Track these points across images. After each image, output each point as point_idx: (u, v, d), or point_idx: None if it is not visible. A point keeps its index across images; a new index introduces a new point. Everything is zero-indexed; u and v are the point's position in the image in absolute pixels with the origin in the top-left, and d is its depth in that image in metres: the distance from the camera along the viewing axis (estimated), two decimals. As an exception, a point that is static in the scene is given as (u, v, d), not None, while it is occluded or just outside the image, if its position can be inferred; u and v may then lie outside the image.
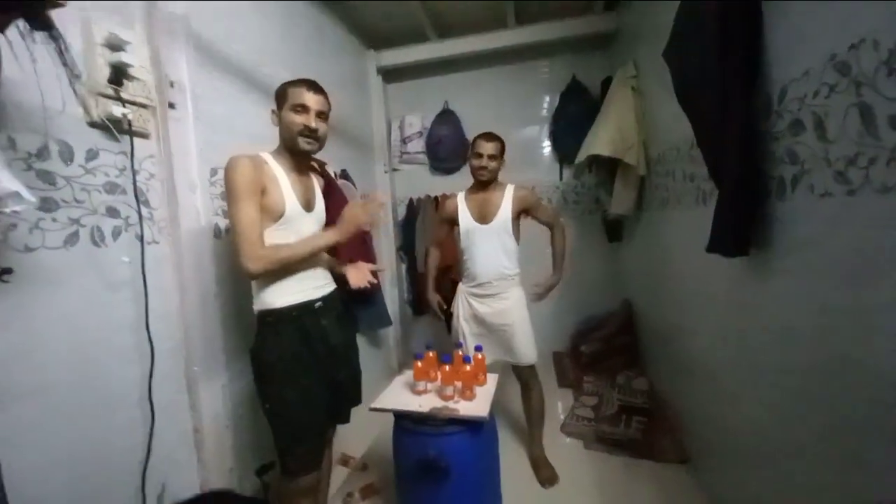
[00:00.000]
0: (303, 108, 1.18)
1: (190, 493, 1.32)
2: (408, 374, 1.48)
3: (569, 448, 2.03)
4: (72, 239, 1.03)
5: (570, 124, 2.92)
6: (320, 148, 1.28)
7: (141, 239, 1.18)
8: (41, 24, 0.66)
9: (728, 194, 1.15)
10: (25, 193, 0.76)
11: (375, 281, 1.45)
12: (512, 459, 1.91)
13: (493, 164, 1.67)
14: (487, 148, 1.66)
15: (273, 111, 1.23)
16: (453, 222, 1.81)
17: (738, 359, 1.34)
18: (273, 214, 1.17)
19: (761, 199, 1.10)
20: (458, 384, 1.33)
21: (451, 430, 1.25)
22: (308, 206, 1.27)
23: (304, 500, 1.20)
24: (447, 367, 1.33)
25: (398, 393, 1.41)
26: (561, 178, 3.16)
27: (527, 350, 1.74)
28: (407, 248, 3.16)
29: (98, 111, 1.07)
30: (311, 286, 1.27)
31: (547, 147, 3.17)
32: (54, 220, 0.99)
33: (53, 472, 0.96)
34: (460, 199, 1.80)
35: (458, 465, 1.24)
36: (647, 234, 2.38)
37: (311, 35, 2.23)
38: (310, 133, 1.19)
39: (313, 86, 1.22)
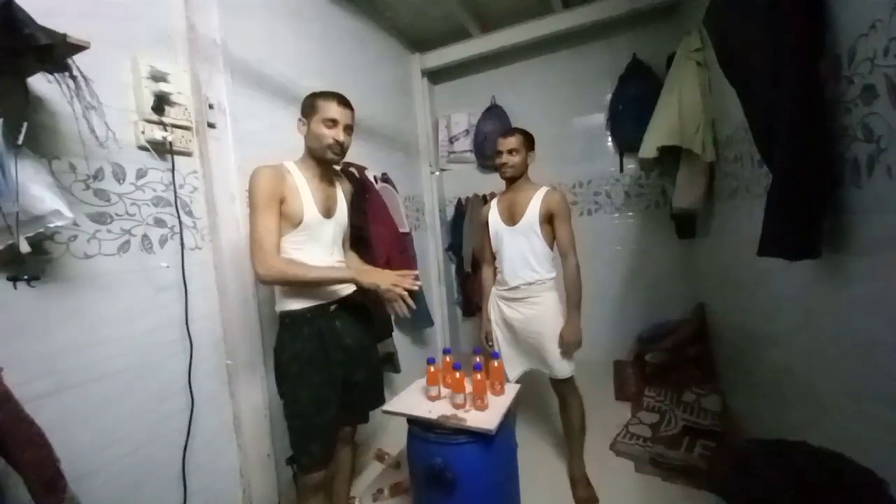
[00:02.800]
0: (333, 123, 1.23)
1: (231, 475, 1.47)
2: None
3: (617, 468, 1.84)
4: (124, 247, 1.20)
5: (631, 109, 2.65)
6: (343, 158, 1.33)
7: (181, 245, 1.33)
8: (57, 66, 0.78)
9: (786, 181, 0.93)
10: (65, 210, 0.91)
11: (409, 314, 1.29)
12: (551, 476, 1.79)
13: (514, 159, 1.58)
14: (506, 143, 1.57)
15: (300, 119, 1.28)
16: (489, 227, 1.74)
17: (835, 380, 1.06)
18: (293, 221, 1.23)
19: (832, 187, 0.87)
20: (469, 392, 1.27)
21: (459, 441, 1.20)
22: (328, 213, 1.31)
23: (315, 495, 1.25)
24: (458, 374, 1.28)
25: (413, 397, 1.40)
26: (621, 170, 2.88)
27: (561, 362, 1.60)
28: (455, 248, 3.15)
29: (144, 136, 1.23)
30: (328, 289, 1.31)
31: (606, 136, 2.91)
32: (109, 231, 1.17)
33: (109, 445, 1.13)
34: (493, 202, 1.74)
35: (466, 477, 1.18)
36: (721, 230, 2.05)
37: (353, 47, 2.32)
38: (338, 146, 1.25)
39: (343, 100, 1.27)
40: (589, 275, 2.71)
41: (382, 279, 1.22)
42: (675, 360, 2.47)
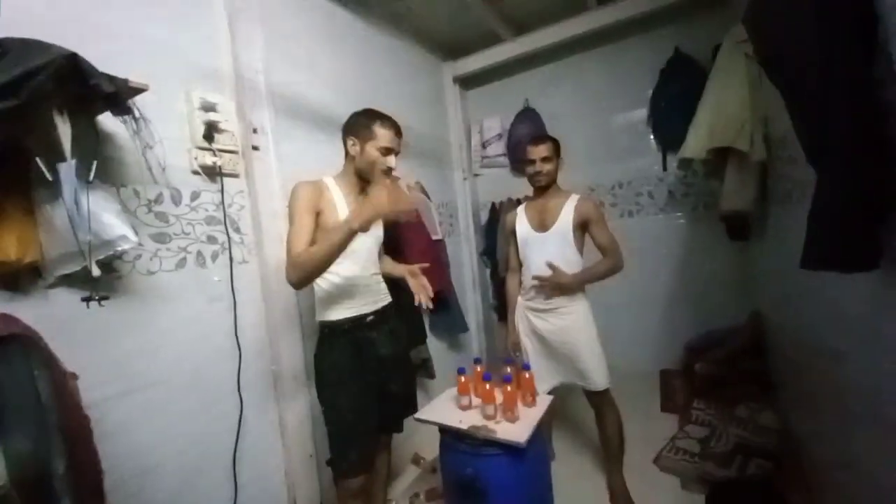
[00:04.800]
0: (388, 151, 1.30)
1: (277, 473, 1.57)
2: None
3: (661, 484, 1.76)
4: (181, 263, 1.33)
5: (674, 104, 2.51)
6: None
7: (230, 260, 1.44)
8: (121, 110, 0.88)
9: (839, 187, 0.85)
10: (131, 235, 1.02)
11: (431, 306, 1.36)
12: (590, 490, 1.74)
13: (547, 167, 1.57)
14: (538, 152, 1.57)
15: (351, 138, 1.31)
16: (515, 234, 1.74)
17: None
18: None
19: (890, 193, 0.79)
20: (500, 403, 1.27)
21: (490, 452, 1.21)
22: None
23: (354, 501, 1.30)
24: (488, 385, 1.29)
25: (444, 405, 1.42)
26: (664, 168, 2.74)
27: (596, 373, 1.56)
28: (490, 252, 3.14)
29: (196, 162, 1.35)
30: (364, 301, 1.36)
31: (648, 133, 2.78)
32: (168, 249, 1.29)
33: (167, 444, 1.25)
34: (520, 209, 1.73)
35: (497, 489, 1.19)
36: (777, 233, 1.90)
37: (386, 61, 2.39)
38: (390, 172, 1.32)
39: (399, 131, 1.34)
40: (632, 279, 2.59)
41: (377, 204, 1.09)
42: (727, 372, 2.31)
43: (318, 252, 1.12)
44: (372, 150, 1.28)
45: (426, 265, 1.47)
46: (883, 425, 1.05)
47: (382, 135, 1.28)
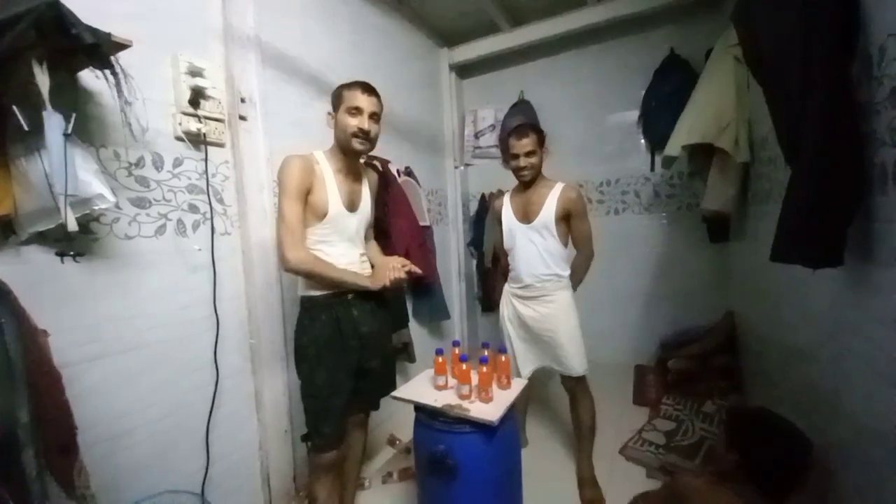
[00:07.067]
0: (357, 111, 1.25)
1: (250, 446, 1.57)
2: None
3: (627, 473, 1.81)
4: (161, 230, 1.31)
5: (664, 105, 2.55)
6: (372, 148, 1.34)
7: (212, 231, 1.43)
8: (102, 63, 0.86)
9: (811, 184, 0.88)
10: (108, 195, 1.00)
11: (404, 275, 1.33)
12: (559, 474, 1.79)
13: (532, 161, 1.57)
14: (522, 146, 1.55)
15: (329, 113, 1.32)
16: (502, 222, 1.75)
17: (862, 398, 0.99)
18: (318, 213, 1.27)
19: (860, 193, 0.83)
20: (474, 384, 1.30)
21: (462, 430, 1.23)
22: (352, 206, 1.34)
23: (326, 474, 1.31)
24: (464, 366, 1.31)
25: (421, 385, 1.44)
26: (652, 168, 2.79)
27: (574, 360, 1.60)
28: (477, 243, 3.16)
29: (181, 127, 1.33)
30: None
31: (638, 133, 2.82)
32: (148, 214, 1.27)
33: (140, 411, 1.24)
34: (506, 197, 1.74)
35: (467, 465, 1.21)
36: (754, 235, 1.96)
37: (382, 43, 2.37)
38: (363, 134, 1.26)
39: (367, 88, 1.29)
40: (613, 275, 2.64)
41: (385, 276, 1.30)
42: (699, 369, 2.39)
43: (328, 273, 1.25)
44: (343, 115, 1.26)
45: (418, 272, 1.42)
46: (837, 419, 1.11)
47: (348, 96, 1.25)
